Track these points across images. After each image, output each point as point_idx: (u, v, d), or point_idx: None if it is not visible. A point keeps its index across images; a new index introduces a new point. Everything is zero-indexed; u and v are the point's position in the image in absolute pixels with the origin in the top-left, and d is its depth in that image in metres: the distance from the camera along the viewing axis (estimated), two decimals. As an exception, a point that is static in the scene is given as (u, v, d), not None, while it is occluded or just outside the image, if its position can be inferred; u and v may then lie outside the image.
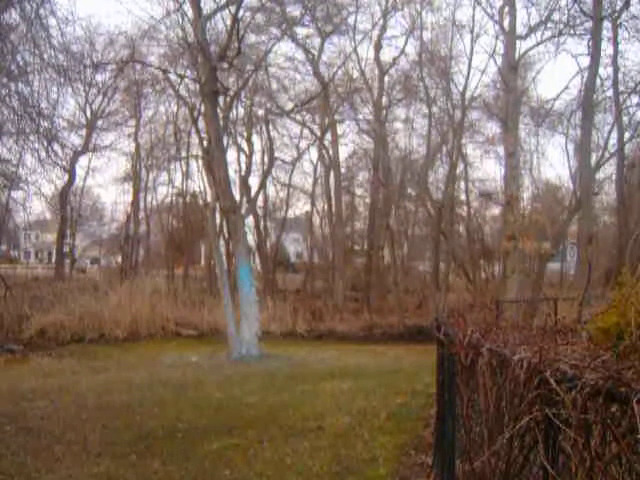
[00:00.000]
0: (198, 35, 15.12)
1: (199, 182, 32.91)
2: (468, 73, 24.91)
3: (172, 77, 21.37)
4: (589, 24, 20.07)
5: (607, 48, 21.81)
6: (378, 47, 25.87)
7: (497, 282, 24.32)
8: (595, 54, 19.67)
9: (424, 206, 28.37)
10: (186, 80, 21.41)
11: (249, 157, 27.31)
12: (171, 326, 21.26)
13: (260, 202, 28.37)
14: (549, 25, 21.02)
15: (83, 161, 30.57)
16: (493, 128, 29.04)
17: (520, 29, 20.30)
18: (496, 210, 31.41)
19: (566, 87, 39.73)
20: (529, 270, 22.35)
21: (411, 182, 29.60)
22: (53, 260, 35.12)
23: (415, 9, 24.98)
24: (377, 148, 26.81)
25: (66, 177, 27.37)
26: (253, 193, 26.18)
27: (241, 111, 26.85)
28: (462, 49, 39.69)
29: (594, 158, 23.41)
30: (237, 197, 21.79)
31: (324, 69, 24.96)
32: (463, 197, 29.75)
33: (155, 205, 31.61)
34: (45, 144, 11.37)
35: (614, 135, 24.06)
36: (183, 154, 28.43)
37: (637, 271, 6.72)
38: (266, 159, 27.46)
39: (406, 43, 25.97)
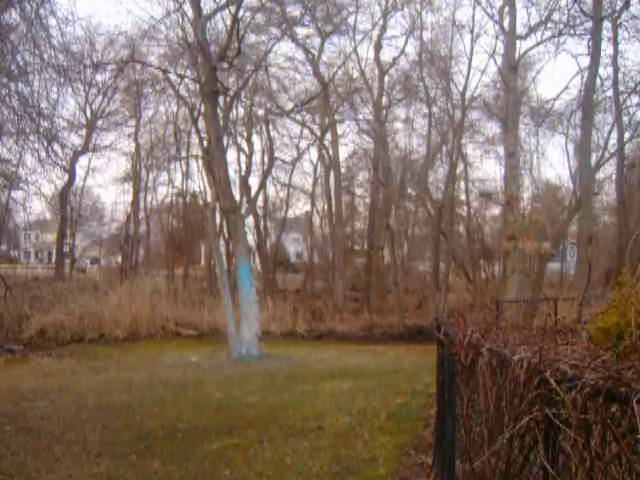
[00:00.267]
0: (198, 35, 15.12)
1: (199, 182, 32.97)
2: (468, 73, 24.97)
3: (172, 77, 21.40)
4: (589, 24, 20.07)
5: (607, 48, 21.86)
6: (378, 47, 25.88)
7: (497, 282, 24.32)
8: (595, 54, 19.67)
9: (424, 206, 28.37)
10: (186, 80, 21.44)
11: (249, 157, 27.31)
12: (171, 326, 21.27)
13: (260, 202, 28.42)
14: (549, 25, 21.05)
15: (83, 161, 30.63)
16: (493, 128, 29.10)
17: (520, 29, 20.33)
18: (496, 210, 31.46)
19: (566, 87, 39.76)
20: (529, 270, 22.35)
21: (411, 182, 29.61)
22: (53, 260, 35.11)
23: (415, 9, 25.02)
24: (377, 148, 26.81)
25: (66, 177, 27.39)
26: (253, 193, 26.19)
27: (241, 111, 26.91)
28: (462, 49, 39.73)
29: (594, 158, 23.43)
30: (237, 197, 21.80)
31: (324, 69, 25.00)
32: (463, 197, 29.79)
33: (155, 205, 31.66)
34: (45, 144, 11.38)
35: (614, 135, 24.11)
36: (183, 154, 28.46)
37: (637, 271, 6.72)
38: (266, 159, 27.47)
39: (406, 43, 26.05)
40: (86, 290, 23.03)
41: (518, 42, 20.06)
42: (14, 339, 18.67)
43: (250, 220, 25.71)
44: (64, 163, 19.78)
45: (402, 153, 29.40)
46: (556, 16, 20.58)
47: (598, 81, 21.41)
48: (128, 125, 29.64)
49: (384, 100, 27.04)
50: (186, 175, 29.37)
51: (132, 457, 6.09)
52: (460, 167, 28.12)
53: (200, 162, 25.99)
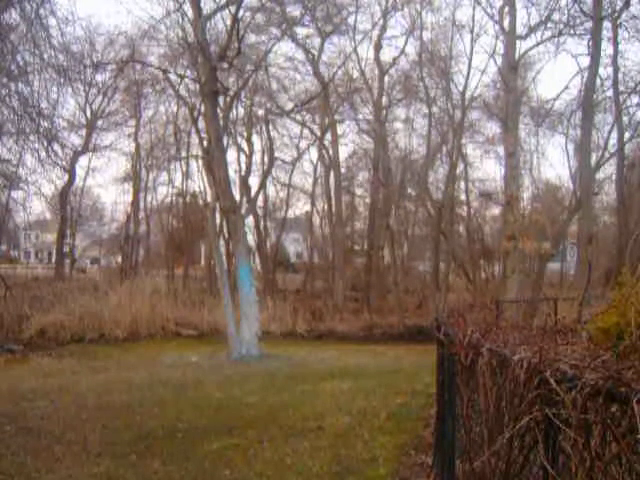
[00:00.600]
0: (198, 35, 15.12)
1: (199, 182, 32.92)
2: (468, 73, 24.98)
3: (172, 77, 21.39)
4: (589, 24, 20.07)
5: (607, 48, 21.86)
6: (378, 47, 25.88)
7: (497, 282, 24.32)
8: (595, 54, 19.67)
9: (424, 206, 28.37)
10: (186, 80, 21.44)
11: (249, 157, 27.31)
12: (171, 326, 21.27)
13: (260, 202, 28.42)
14: (549, 25, 21.03)
15: (83, 161, 30.63)
16: (493, 128, 29.10)
17: (520, 29, 20.32)
18: (496, 210, 31.46)
19: (566, 87, 39.73)
20: (529, 270, 22.36)
21: (411, 182, 29.61)
22: (53, 260, 35.11)
23: (415, 9, 25.02)
24: (377, 148, 26.81)
25: (66, 177, 27.38)
26: (253, 193, 26.19)
27: (241, 111, 26.91)
28: (462, 49, 39.80)
29: (594, 158, 23.43)
30: (237, 197, 21.79)
31: (324, 69, 24.99)
32: (463, 197, 29.79)
33: (155, 205, 31.66)
34: (45, 144, 11.38)
35: (614, 135, 24.11)
36: (183, 154, 28.45)
37: (637, 271, 6.72)
38: (266, 159, 27.47)
39: (406, 43, 26.04)
40: (86, 290, 23.03)
41: (518, 42, 20.08)
42: (14, 339, 18.66)
43: (250, 220, 25.72)
44: (64, 163, 19.80)
45: (402, 153, 29.41)
46: (556, 16, 20.61)
47: (598, 81, 21.44)
48: (128, 125, 29.69)
49: (384, 100, 27.05)
50: (186, 175, 29.42)
51: (132, 457, 6.09)
52: (460, 167, 28.14)
53: (200, 162, 26.01)
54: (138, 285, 23.21)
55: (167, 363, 14.02)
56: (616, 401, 2.07)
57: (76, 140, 27.21)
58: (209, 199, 20.89)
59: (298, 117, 26.92)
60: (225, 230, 24.36)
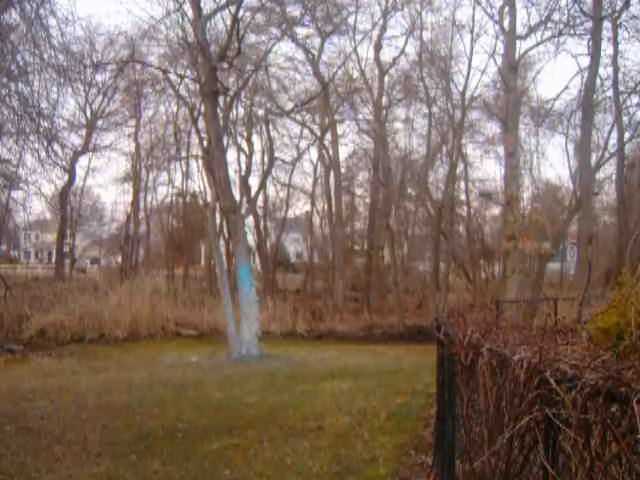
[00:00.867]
0: (198, 35, 15.12)
1: (199, 182, 32.94)
2: (468, 73, 24.99)
3: (172, 77, 21.41)
4: (589, 24, 20.07)
5: (607, 48, 21.86)
6: (378, 47, 25.88)
7: (497, 282, 24.31)
8: (595, 54, 19.67)
9: (424, 206, 28.37)
10: (186, 80, 21.45)
11: (249, 157, 27.31)
12: (171, 326, 21.26)
13: (260, 202, 28.42)
14: (549, 25, 21.03)
15: (83, 161, 30.64)
16: (493, 128, 29.11)
17: (520, 29, 20.32)
18: (496, 210, 31.46)
19: (566, 87, 39.72)
20: (529, 270, 22.36)
21: (411, 182, 29.62)
22: (53, 260, 35.11)
23: (415, 9, 25.03)
24: (377, 148, 26.81)
25: (66, 177, 27.38)
26: (253, 193, 26.19)
27: (241, 111, 26.91)
28: (462, 49, 39.87)
29: (594, 158, 23.43)
30: (237, 197, 21.79)
31: (324, 69, 24.99)
32: (463, 197, 29.79)
33: (155, 205, 31.66)
34: (45, 144, 11.38)
35: (614, 135, 24.12)
36: (183, 154, 28.45)
37: (637, 271, 6.72)
38: (266, 159, 27.47)
39: (406, 43, 26.05)
40: (86, 290, 23.03)
41: (518, 42, 20.08)
42: (14, 339, 18.66)
43: (250, 220, 25.72)
44: (64, 163, 19.80)
45: (402, 153, 29.41)
46: (556, 16, 20.61)
47: (598, 81, 21.44)
48: (128, 125, 29.69)
49: (384, 100, 27.06)
50: (186, 175, 29.42)
51: (132, 457, 6.09)
52: (460, 167, 28.15)
53: (200, 162, 26.01)
54: (138, 285, 23.21)
55: (167, 363, 14.01)
56: (616, 401, 2.07)
57: (76, 140, 27.26)
58: (209, 199, 20.89)
59: (298, 117, 26.92)
60: (225, 230, 24.35)
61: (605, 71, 22.17)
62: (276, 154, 27.35)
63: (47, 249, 49.08)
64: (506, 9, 19.97)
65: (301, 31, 22.88)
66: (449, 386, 4.31)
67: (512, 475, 2.76)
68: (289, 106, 25.32)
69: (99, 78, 24.68)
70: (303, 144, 29.36)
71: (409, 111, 28.77)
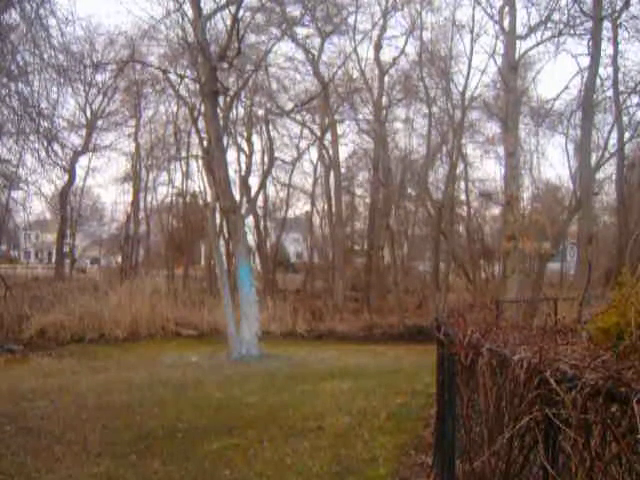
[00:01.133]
0: (198, 35, 15.12)
1: (199, 182, 32.93)
2: (468, 73, 24.99)
3: (172, 77, 21.41)
4: (589, 24, 20.07)
5: (607, 48, 21.86)
6: (378, 47, 25.87)
7: (497, 282, 24.31)
8: (595, 54, 19.68)
9: (424, 206, 28.37)
10: (186, 80, 21.45)
11: (249, 157, 27.31)
12: (171, 326, 21.26)
13: (260, 202, 28.41)
14: (549, 25, 21.03)
15: (83, 161, 30.63)
16: (493, 128, 29.10)
17: (520, 29, 20.32)
18: (496, 210, 31.45)
19: (566, 87, 39.71)
20: (529, 270, 22.36)
21: (411, 182, 29.62)
22: (53, 260, 35.11)
23: (415, 9, 25.02)
24: (377, 148, 26.81)
25: (66, 177, 27.38)
26: (253, 193, 26.19)
27: (241, 111, 26.90)
28: (462, 49, 39.87)
29: (594, 158, 23.43)
30: (237, 197, 21.79)
31: (324, 69, 24.99)
32: (463, 197, 29.79)
33: (155, 205, 31.65)
34: (45, 144, 11.38)
35: (614, 135, 24.11)
36: (183, 154, 28.45)
37: (637, 271, 6.72)
38: (266, 159, 27.47)
39: (406, 43, 26.04)
40: (86, 290, 23.03)
41: (518, 42, 20.08)
42: (14, 339, 18.66)
43: (250, 220, 25.72)
44: (64, 163, 19.78)
45: (402, 153, 29.41)
46: (556, 16, 20.61)
47: (598, 81, 21.44)
48: (128, 125, 29.68)
49: (384, 100, 27.05)
50: (186, 175, 29.41)
51: (132, 457, 6.09)
52: (460, 167, 28.14)
53: (200, 162, 26.01)
54: (138, 285, 23.20)
55: (167, 363, 14.01)
56: (616, 401, 2.07)
57: (76, 140, 27.26)
58: (209, 199, 20.89)
59: (298, 117, 26.92)
60: (225, 230, 24.35)
61: (605, 71, 22.22)
62: (276, 154, 27.37)
63: (47, 249, 49.07)
64: (506, 9, 19.98)
65: (301, 31, 22.93)
66: (449, 386, 4.31)
67: (512, 475, 2.76)
68: (289, 106, 25.32)
69: (99, 78, 24.74)
70: (303, 144, 29.42)
71: (409, 111, 28.81)
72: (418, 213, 29.94)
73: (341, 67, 25.90)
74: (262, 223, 28.97)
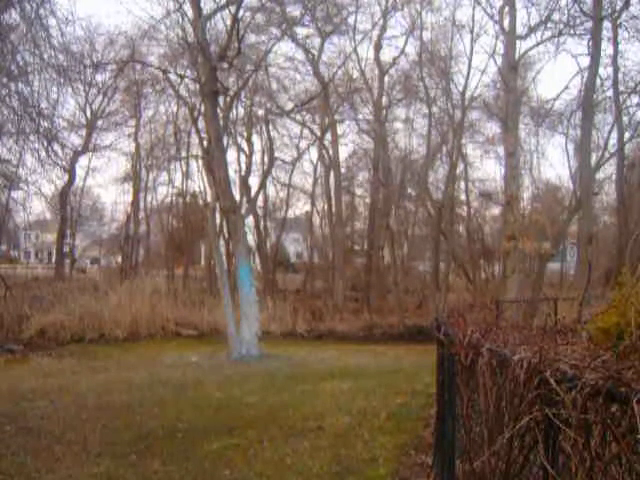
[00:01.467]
0: (198, 35, 15.12)
1: (199, 182, 32.98)
2: (468, 73, 25.00)
3: (172, 77, 21.41)
4: (589, 24, 20.07)
5: (607, 48, 21.87)
6: (378, 47, 25.88)
7: (497, 282, 24.31)
8: (595, 54, 19.67)
9: (424, 206, 28.37)
10: (186, 80, 21.46)
11: (249, 157, 27.31)
12: (171, 326, 21.25)
13: (260, 202, 28.41)
14: (549, 25, 21.03)
15: (83, 161, 30.64)
16: (493, 128, 29.10)
17: (520, 29, 20.32)
18: (496, 210, 31.45)
19: (566, 87, 39.74)
20: (529, 270, 22.35)
21: (411, 182, 29.61)
22: (53, 260, 35.10)
23: (415, 9, 25.02)
24: (377, 148, 26.81)
25: (66, 177, 27.38)
26: (253, 193, 26.19)
27: (241, 111, 26.90)
28: (462, 49, 39.83)
29: (594, 158, 23.43)
30: (237, 197, 21.79)
31: (324, 69, 24.99)
32: (463, 197, 29.79)
33: (155, 205, 31.64)
34: (45, 144, 11.38)
35: (614, 135, 24.12)
36: (183, 154, 28.45)
37: (637, 271, 6.73)
38: (266, 159, 27.47)
39: (406, 43, 26.03)
40: (86, 290, 23.02)
41: (518, 42, 20.08)
42: (14, 339, 18.64)
43: (250, 220, 25.72)
44: (64, 163, 19.82)
45: (402, 153, 29.40)
46: (556, 16, 20.61)
47: (598, 81, 21.43)
48: (128, 125, 29.69)
49: (384, 100, 27.05)
50: (186, 175, 29.41)
51: (132, 457, 6.09)
52: (460, 167, 28.14)
53: (200, 162, 26.00)
54: (138, 285, 23.20)
55: (167, 363, 14.01)
56: (616, 401, 2.07)
57: (76, 140, 27.29)
58: (209, 199, 20.88)
59: (298, 117, 26.92)
60: (225, 230, 24.35)
61: (605, 71, 22.22)
62: (276, 154, 27.37)
63: (47, 249, 49.08)
64: (506, 9, 19.97)
65: (301, 31, 22.93)
66: (449, 386, 4.31)
67: (512, 475, 2.76)
68: (289, 106, 25.33)
69: (99, 78, 24.74)
70: (303, 144, 29.42)
71: (409, 111, 28.81)
72: (418, 213, 29.94)
73: (341, 67, 25.94)
74: (262, 223, 28.97)
